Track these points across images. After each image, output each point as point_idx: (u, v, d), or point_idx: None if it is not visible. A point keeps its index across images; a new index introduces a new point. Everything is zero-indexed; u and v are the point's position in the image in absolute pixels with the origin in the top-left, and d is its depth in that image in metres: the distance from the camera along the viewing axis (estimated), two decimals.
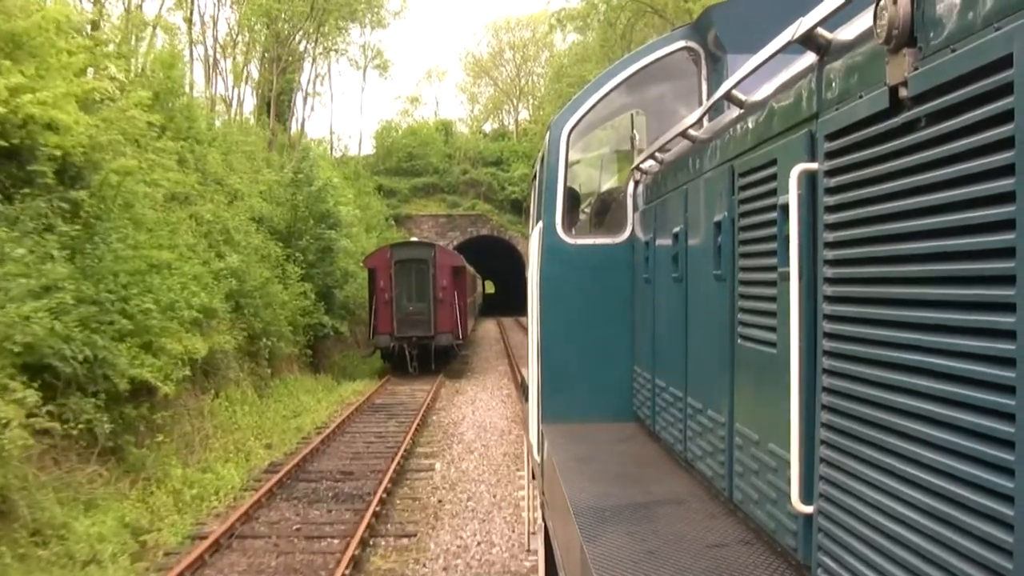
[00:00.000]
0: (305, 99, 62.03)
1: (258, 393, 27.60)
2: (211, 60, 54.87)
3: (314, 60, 60.46)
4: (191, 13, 48.25)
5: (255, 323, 27.82)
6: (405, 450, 20.90)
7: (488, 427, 24.44)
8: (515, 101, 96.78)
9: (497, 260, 73.22)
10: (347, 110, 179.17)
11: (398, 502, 16.88)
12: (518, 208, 70.78)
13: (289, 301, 31.83)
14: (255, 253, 30.11)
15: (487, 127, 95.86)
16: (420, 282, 35.97)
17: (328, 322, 34.56)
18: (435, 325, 35.83)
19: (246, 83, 59.25)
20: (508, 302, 73.35)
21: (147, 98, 23.16)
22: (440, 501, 16.86)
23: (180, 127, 31.57)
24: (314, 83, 66.64)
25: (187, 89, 37.08)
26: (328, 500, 16.92)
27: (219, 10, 55.96)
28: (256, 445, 21.82)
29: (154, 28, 37.55)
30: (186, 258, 22.70)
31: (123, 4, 34.96)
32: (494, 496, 16.97)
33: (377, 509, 15.68)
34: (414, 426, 24.14)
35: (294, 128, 72.19)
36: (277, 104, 56.24)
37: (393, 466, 18.87)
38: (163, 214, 23.67)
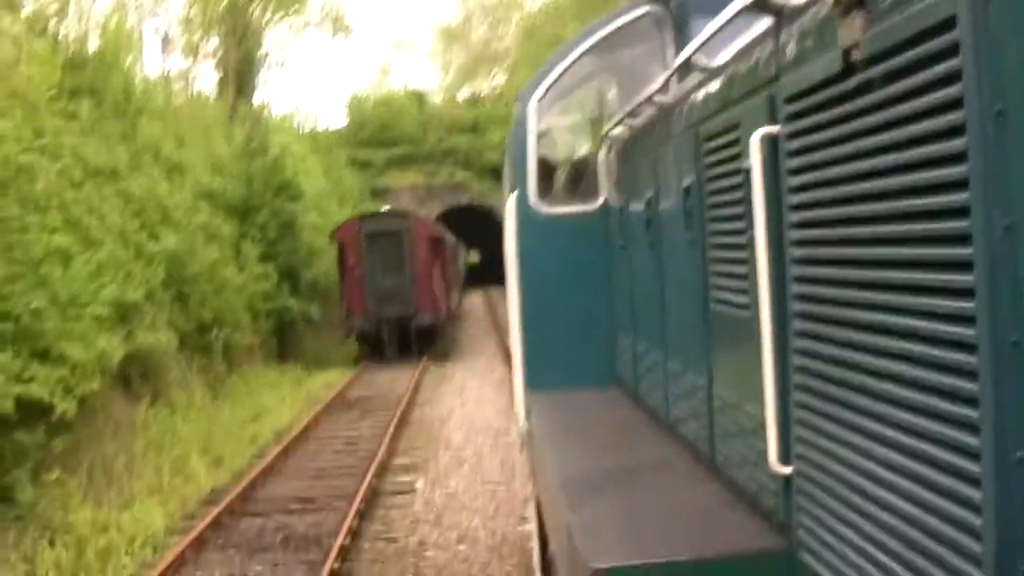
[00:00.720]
0: (267, 68, 57.26)
1: (211, 394, 23.27)
2: (165, 34, 50.32)
3: (270, 25, 55.60)
4: None
5: (203, 312, 23.44)
6: (379, 463, 16.55)
7: (480, 426, 20.09)
8: (488, 65, 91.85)
9: (480, 229, 68.39)
10: (315, 83, 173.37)
11: (367, 547, 12.49)
12: (498, 175, 65.93)
13: (246, 284, 27.44)
14: (201, 232, 25.65)
15: (461, 94, 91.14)
16: (395, 256, 31.48)
17: (294, 305, 30.15)
18: (414, 302, 31.39)
19: (206, 57, 54.67)
20: (494, 272, 67.68)
21: (46, 52, 18.74)
22: (422, 543, 12.47)
23: (116, 100, 27.29)
24: (280, 50, 62.13)
25: (137, 63, 32.98)
26: (275, 547, 12.56)
27: None
28: (199, 464, 17.40)
29: None
30: (97, 242, 18.19)
31: None
32: (493, 534, 12.54)
33: (336, 566, 11.35)
34: (392, 427, 19.80)
35: (258, 102, 67.95)
36: (237, 77, 51.68)
37: (363, 488, 14.53)
38: (75, 191, 19.20)
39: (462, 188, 68.75)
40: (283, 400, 24.62)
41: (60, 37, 24.17)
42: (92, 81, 26.58)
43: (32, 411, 13.97)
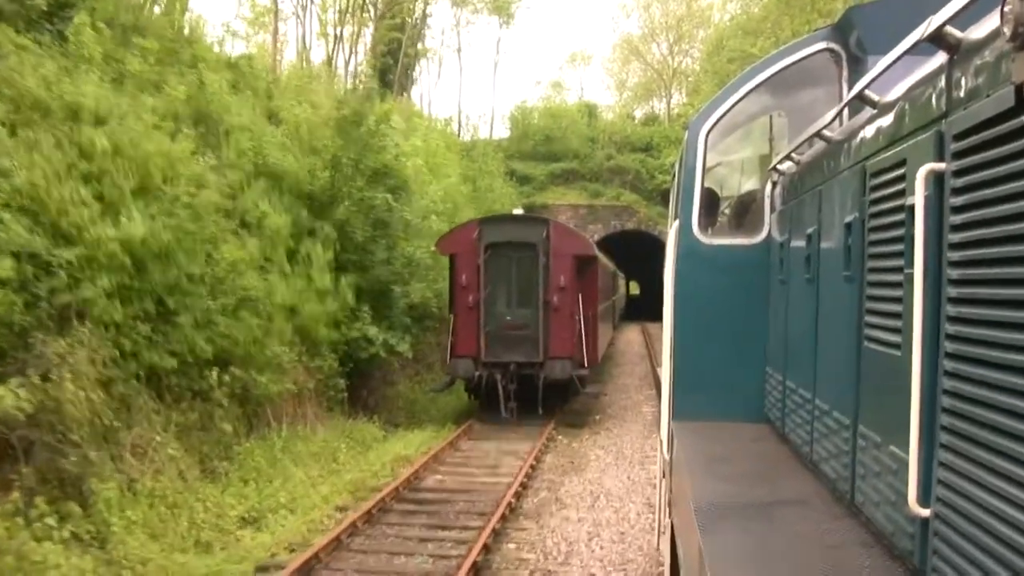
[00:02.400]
0: (415, 51, 48.83)
1: (206, 471, 14.29)
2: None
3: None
4: None
5: (198, 340, 14.40)
6: None
7: None
8: (667, 81, 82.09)
9: (644, 257, 58.43)
10: (479, 90, 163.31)
11: None
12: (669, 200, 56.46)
13: (302, 302, 18.37)
14: (221, 217, 16.65)
15: (636, 113, 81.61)
16: (524, 279, 21.82)
17: (378, 337, 20.83)
18: (545, 346, 21.58)
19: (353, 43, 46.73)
20: (655, 306, 57.43)
21: None
22: None
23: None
24: (441, 44, 54.04)
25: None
26: None
27: None
28: None
29: None
30: None
31: None
32: None
33: None
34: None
35: (417, 101, 60.11)
36: (376, 56, 43.42)
37: None
38: None
39: (628, 211, 59.35)
40: (317, 485, 15.31)
41: None
42: None
43: None
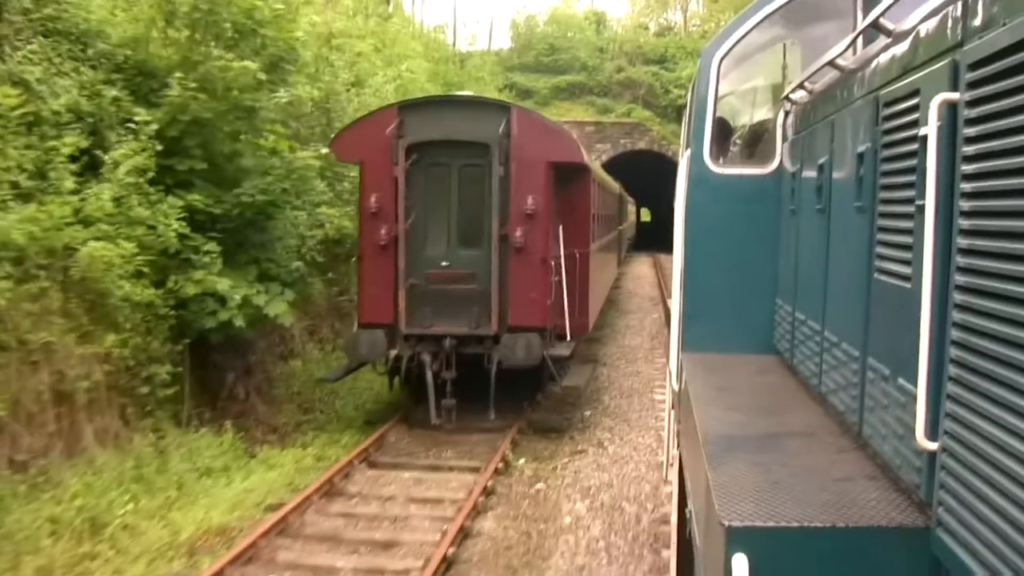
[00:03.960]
0: None
1: None
2: None
3: None
4: None
5: None
6: None
7: None
8: None
9: (656, 180, 49.71)
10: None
11: None
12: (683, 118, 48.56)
13: (74, 241, 10.04)
14: None
15: (650, 26, 72.91)
16: (470, 201, 13.36)
17: (234, 297, 12.38)
18: (501, 311, 13.09)
19: None
20: (669, 235, 48.17)
21: None
22: None
23: None
24: None
25: None
26: None
27: None
28: None
29: None
30: None
31: None
32: None
33: None
34: None
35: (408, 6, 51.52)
36: None
37: None
38: None
39: (640, 129, 51.43)
40: None
41: None
42: None
43: None
